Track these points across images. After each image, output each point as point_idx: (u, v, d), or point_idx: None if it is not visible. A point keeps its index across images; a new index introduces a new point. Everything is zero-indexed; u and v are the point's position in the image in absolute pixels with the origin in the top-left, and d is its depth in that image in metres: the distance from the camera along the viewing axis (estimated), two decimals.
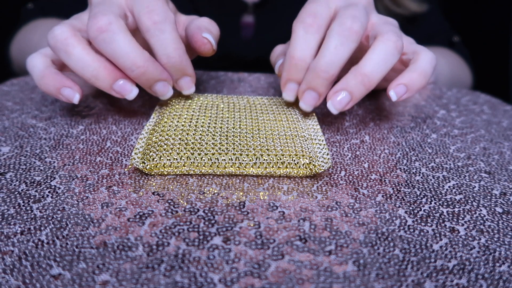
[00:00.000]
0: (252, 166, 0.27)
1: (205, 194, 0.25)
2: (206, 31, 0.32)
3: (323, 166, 0.27)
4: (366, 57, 0.29)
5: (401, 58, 0.33)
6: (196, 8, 0.60)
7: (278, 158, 0.27)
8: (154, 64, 0.29)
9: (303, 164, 0.27)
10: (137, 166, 0.27)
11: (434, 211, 0.25)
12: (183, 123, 0.30)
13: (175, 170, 0.27)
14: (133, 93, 0.30)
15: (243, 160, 0.27)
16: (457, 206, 0.25)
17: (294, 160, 0.27)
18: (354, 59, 0.33)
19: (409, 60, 0.33)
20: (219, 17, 0.61)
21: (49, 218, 0.23)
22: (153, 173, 0.27)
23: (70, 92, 0.30)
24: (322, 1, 0.32)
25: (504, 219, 0.24)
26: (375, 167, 0.29)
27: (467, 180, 0.28)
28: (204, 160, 0.27)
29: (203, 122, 0.31)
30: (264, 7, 0.60)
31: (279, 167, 0.27)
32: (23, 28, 0.57)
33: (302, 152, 0.28)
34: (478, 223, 0.24)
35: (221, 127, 0.30)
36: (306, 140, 0.30)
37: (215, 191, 0.26)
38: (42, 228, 0.22)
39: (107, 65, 0.28)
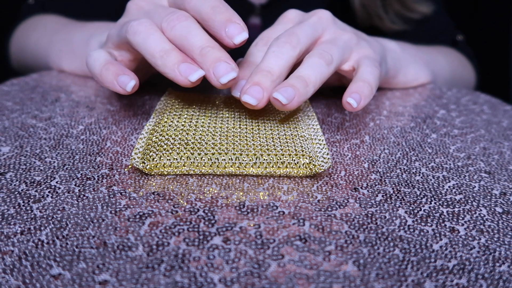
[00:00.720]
0: (252, 166, 0.27)
1: (205, 194, 0.25)
2: None
3: (323, 166, 0.27)
4: (300, 66, 0.31)
5: (353, 73, 0.35)
6: None
7: (278, 158, 0.27)
8: (219, 45, 0.30)
9: (303, 164, 0.27)
10: (137, 166, 0.27)
11: (434, 211, 0.25)
12: (183, 123, 0.30)
13: (175, 170, 0.27)
14: (197, 73, 0.29)
15: (243, 160, 0.27)
16: (457, 206, 0.25)
17: (294, 160, 0.27)
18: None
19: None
20: None
21: (49, 218, 0.23)
22: (153, 173, 0.27)
23: (126, 78, 0.30)
24: (280, 25, 0.35)
25: (504, 219, 0.24)
26: (375, 167, 0.29)
27: (467, 180, 0.28)
28: (204, 160, 0.27)
29: (203, 122, 0.31)
30: (271, 8, 0.60)
31: (279, 167, 0.27)
32: (23, 23, 0.57)
33: (302, 151, 0.28)
34: (478, 223, 0.24)
35: (221, 127, 0.30)
36: (306, 140, 0.30)
37: (215, 191, 0.26)
38: (42, 228, 0.22)
39: (177, 50, 0.30)
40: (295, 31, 0.32)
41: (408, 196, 0.26)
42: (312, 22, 0.34)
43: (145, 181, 0.26)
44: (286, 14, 0.36)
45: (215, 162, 0.27)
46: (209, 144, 0.28)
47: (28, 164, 0.28)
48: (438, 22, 0.61)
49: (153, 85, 0.43)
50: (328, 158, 0.28)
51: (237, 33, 0.30)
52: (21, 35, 0.55)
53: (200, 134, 0.29)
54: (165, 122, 0.31)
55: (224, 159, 0.27)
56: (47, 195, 0.25)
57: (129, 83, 0.30)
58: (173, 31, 0.30)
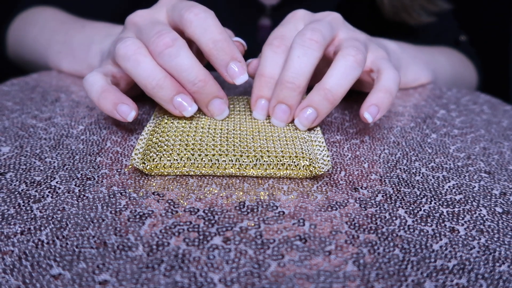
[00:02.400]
0: (252, 168, 0.27)
1: (205, 194, 0.25)
2: (232, 35, 0.34)
3: (323, 168, 0.27)
4: (328, 73, 0.30)
5: (369, 74, 0.34)
6: (215, 11, 0.60)
7: (278, 160, 0.27)
8: (213, 80, 0.30)
9: (303, 166, 0.27)
10: (137, 167, 0.27)
11: (434, 211, 0.25)
12: (183, 124, 0.30)
13: (175, 171, 0.27)
14: (192, 109, 0.30)
15: (243, 161, 0.27)
16: (457, 206, 0.25)
17: (294, 162, 0.27)
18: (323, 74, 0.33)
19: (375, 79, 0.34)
20: (236, 19, 0.61)
21: (49, 218, 0.23)
22: (153, 174, 0.27)
23: (127, 108, 0.30)
24: (290, 24, 0.34)
25: (504, 219, 0.24)
26: (375, 167, 0.29)
27: (467, 180, 0.28)
28: (204, 161, 0.27)
29: (203, 124, 0.31)
30: (282, 9, 0.60)
31: (279, 168, 0.27)
32: (21, 15, 0.56)
33: (302, 154, 0.28)
34: (478, 223, 0.24)
35: (221, 129, 0.30)
36: (306, 142, 0.30)
37: (215, 191, 0.26)
38: (42, 228, 0.22)
39: (172, 78, 0.29)
40: (318, 27, 0.31)
41: (408, 196, 0.26)
42: (329, 21, 0.33)
43: (145, 181, 0.26)
44: (295, 13, 0.35)
45: (215, 163, 0.27)
46: (209, 145, 0.28)
47: (28, 164, 0.28)
48: (442, 22, 0.61)
49: None
50: (328, 160, 0.28)
51: (238, 75, 0.30)
52: (19, 28, 0.55)
53: (201, 135, 0.29)
54: (166, 123, 0.31)
55: (224, 160, 0.27)
56: (47, 195, 0.25)
57: (130, 113, 0.30)
58: (161, 58, 0.29)
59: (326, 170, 0.27)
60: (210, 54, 0.30)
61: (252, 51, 0.62)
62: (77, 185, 0.26)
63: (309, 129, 0.32)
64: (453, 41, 0.61)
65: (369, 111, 0.31)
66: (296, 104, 0.30)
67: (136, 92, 0.38)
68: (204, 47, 0.30)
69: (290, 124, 0.32)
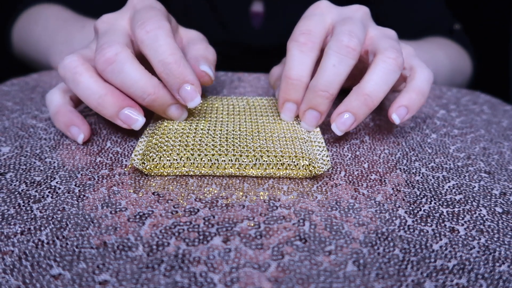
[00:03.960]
0: (252, 168, 0.27)
1: (205, 194, 0.25)
2: (203, 61, 0.32)
3: (323, 168, 0.27)
4: (368, 77, 0.29)
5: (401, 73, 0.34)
6: None
7: (278, 160, 0.27)
8: (164, 89, 0.29)
9: (303, 165, 0.27)
10: (137, 167, 0.27)
11: (434, 211, 0.25)
12: (183, 126, 0.30)
13: (175, 171, 0.27)
14: (139, 123, 0.28)
15: (242, 161, 0.27)
16: (457, 206, 0.25)
17: (294, 162, 0.27)
18: (353, 74, 0.33)
19: (406, 76, 0.33)
20: (229, 5, 0.61)
21: (49, 218, 0.23)
22: (153, 174, 0.27)
23: (76, 130, 0.30)
24: (316, 16, 0.32)
25: (504, 219, 0.24)
26: (375, 167, 0.29)
27: (467, 180, 0.28)
28: (204, 161, 0.27)
29: (203, 125, 0.31)
30: None
31: (278, 168, 0.27)
32: (25, 13, 0.57)
33: (302, 153, 0.28)
34: (478, 223, 0.24)
35: (220, 130, 0.30)
36: (305, 142, 0.30)
37: (215, 191, 0.26)
38: (42, 228, 0.22)
39: (114, 93, 0.28)
40: (355, 31, 0.30)
41: (408, 196, 0.26)
42: (360, 19, 0.31)
43: (145, 181, 0.26)
44: (319, 5, 0.32)
45: (215, 163, 0.27)
46: (209, 146, 0.28)
47: (28, 164, 0.28)
48: (435, 11, 0.61)
49: None
50: (328, 160, 0.28)
51: (190, 98, 0.28)
52: (23, 27, 0.55)
53: (200, 136, 0.29)
54: (165, 126, 0.31)
55: (224, 160, 0.27)
56: (47, 195, 0.25)
57: (78, 136, 0.30)
58: (104, 75, 0.28)
59: (326, 170, 0.27)
60: (161, 77, 0.28)
61: (246, 37, 0.62)
62: (77, 185, 0.26)
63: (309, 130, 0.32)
64: (448, 30, 0.61)
65: (398, 113, 0.30)
66: (327, 110, 0.30)
67: None
68: (155, 69, 0.28)
69: (290, 124, 0.32)
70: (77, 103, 0.33)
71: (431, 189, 0.27)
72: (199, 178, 0.27)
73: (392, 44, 0.30)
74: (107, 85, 0.28)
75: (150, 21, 0.28)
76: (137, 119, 0.28)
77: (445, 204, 0.25)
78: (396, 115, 0.30)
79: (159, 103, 0.29)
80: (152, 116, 0.34)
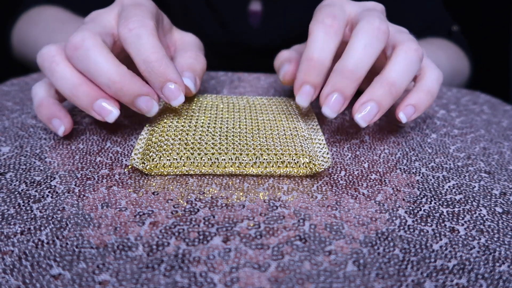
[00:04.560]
0: (252, 166, 0.27)
1: (205, 194, 0.25)
2: (188, 73, 0.32)
3: (323, 165, 0.27)
4: (391, 66, 0.28)
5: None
6: None
7: (278, 158, 0.27)
8: (132, 79, 0.27)
9: (303, 163, 0.27)
10: (137, 167, 0.27)
11: (434, 211, 0.25)
12: (182, 123, 0.30)
13: (175, 170, 0.27)
14: (112, 115, 0.28)
15: (243, 159, 0.27)
16: (457, 206, 0.25)
17: (294, 160, 0.27)
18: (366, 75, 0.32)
19: (417, 75, 0.32)
20: (227, 5, 0.61)
21: (49, 218, 0.23)
22: (153, 173, 0.27)
23: (57, 122, 0.29)
24: (337, 5, 0.31)
25: (504, 219, 0.24)
26: (375, 167, 0.29)
27: (467, 180, 0.28)
28: (204, 160, 0.27)
29: (202, 123, 0.31)
30: None
31: (279, 166, 0.27)
32: (24, 14, 0.57)
33: (302, 151, 0.28)
34: (478, 223, 0.24)
35: (220, 127, 0.30)
36: (306, 140, 0.30)
37: (215, 191, 0.26)
38: (42, 228, 0.22)
39: (89, 84, 0.28)
40: (384, 18, 0.29)
41: (408, 196, 0.26)
42: (381, 11, 0.31)
43: (145, 181, 0.26)
44: None
45: (215, 162, 0.27)
46: (209, 144, 0.28)
47: (28, 164, 0.28)
48: (434, 12, 0.62)
49: None
50: (328, 158, 0.28)
51: (173, 97, 0.28)
52: (23, 28, 0.55)
53: (200, 134, 0.29)
54: (165, 123, 0.31)
55: (224, 159, 0.27)
56: (47, 195, 0.25)
57: (59, 128, 0.29)
58: (73, 62, 0.27)
59: (326, 167, 0.27)
60: (144, 76, 0.28)
61: (244, 36, 0.62)
62: (77, 185, 0.26)
63: (309, 128, 0.32)
64: (446, 31, 0.61)
65: (406, 111, 0.30)
66: (351, 95, 0.29)
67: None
68: (139, 68, 0.28)
69: (290, 122, 0.32)
70: (62, 96, 0.32)
71: (431, 189, 0.27)
72: (199, 178, 0.27)
73: (411, 37, 0.30)
74: (82, 76, 0.28)
75: (133, 19, 0.28)
76: (111, 111, 0.28)
77: (445, 204, 0.25)
78: (404, 114, 0.30)
79: (125, 93, 0.27)
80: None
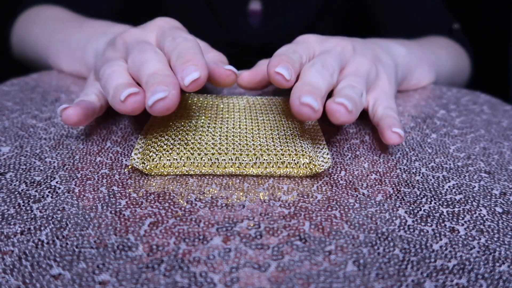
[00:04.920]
0: (252, 166, 0.27)
1: (205, 194, 0.25)
2: (225, 65, 0.33)
3: (323, 166, 0.27)
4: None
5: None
6: None
7: (278, 158, 0.27)
8: (169, 72, 0.27)
9: (303, 163, 0.27)
10: (137, 167, 0.27)
11: (434, 211, 0.25)
12: (182, 123, 0.30)
13: (175, 170, 0.27)
14: (127, 90, 0.26)
15: (243, 160, 0.27)
16: (457, 206, 0.25)
17: (294, 160, 0.27)
18: None
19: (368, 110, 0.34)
20: (227, 4, 0.61)
21: (49, 218, 0.23)
22: (153, 173, 0.27)
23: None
24: (303, 43, 0.33)
25: (504, 219, 0.24)
26: (375, 167, 0.29)
27: (467, 180, 0.28)
28: (204, 160, 0.27)
29: (202, 123, 0.31)
30: None
31: (279, 166, 0.27)
32: (24, 14, 0.57)
33: (302, 151, 0.28)
34: (478, 223, 0.24)
35: (220, 127, 0.30)
36: (306, 140, 0.30)
37: (215, 191, 0.26)
38: (42, 228, 0.22)
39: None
40: (329, 60, 0.31)
41: (408, 196, 0.26)
42: (338, 53, 0.33)
43: (145, 181, 0.26)
44: (306, 39, 0.34)
45: (215, 162, 0.27)
46: (209, 144, 0.28)
47: (28, 164, 0.28)
48: (434, 11, 0.62)
49: None
50: (328, 158, 0.28)
51: (189, 72, 0.27)
52: (22, 27, 0.56)
53: (200, 134, 0.29)
54: (165, 122, 0.31)
55: (224, 159, 0.27)
56: (47, 195, 0.25)
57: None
58: (133, 66, 0.28)
59: (326, 167, 0.27)
60: (173, 66, 0.28)
61: (243, 35, 0.62)
62: (77, 185, 0.26)
63: (309, 128, 0.32)
64: (447, 30, 0.61)
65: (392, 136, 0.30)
66: (320, 102, 0.28)
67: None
68: (172, 62, 0.28)
69: (290, 123, 0.32)
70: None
71: (431, 189, 0.27)
72: (199, 178, 0.27)
73: (355, 80, 0.31)
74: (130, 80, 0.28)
75: (185, 37, 0.29)
76: (128, 89, 0.26)
77: (445, 204, 0.25)
78: (395, 135, 0.30)
79: (156, 79, 0.26)
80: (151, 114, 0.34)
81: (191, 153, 0.27)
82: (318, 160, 0.28)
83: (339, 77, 0.32)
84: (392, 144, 0.30)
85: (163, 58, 0.28)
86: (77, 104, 0.29)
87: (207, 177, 0.27)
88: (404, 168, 0.29)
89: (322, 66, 0.30)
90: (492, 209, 0.25)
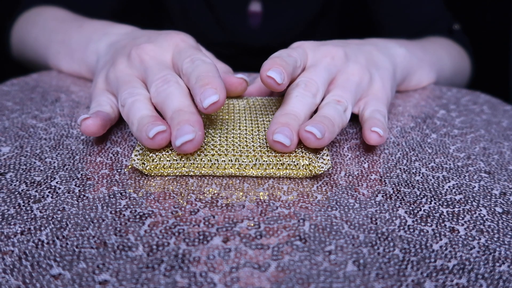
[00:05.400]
0: (252, 168, 0.27)
1: (205, 194, 0.25)
2: (232, 73, 0.34)
3: (323, 168, 0.27)
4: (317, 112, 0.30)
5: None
6: None
7: (278, 160, 0.27)
8: (194, 110, 0.28)
9: (303, 165, 0.27)
10: (137, 167, 0.27)
11: (434, 211, 0.25)
12: None
13: (175, 171, 0.27)
14: (156, 129, 0.26)
15: (242, 161, 0.27)
16: (457, 206, 0.25)
17: (294, 162, 0.27)
18: None
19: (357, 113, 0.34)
20: (227, 5, 0.61)
21: (49, 218, 0.23)
22: (153, 174, 0.27)
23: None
24: (299, 49, 0.33)
25: (504, 219, 0.24)
26: (375, 167, 0.29)
27: (467, 180, 0.28)
28: (204, 161, 0.27)
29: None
30: None
31: (278, 168, 0.27)
32: (23, 14, 0.57)
33: (302, 153, 0.28)
34: (478, 223, 0.24)
35: (220, 129, 0.30)
36: None
37: (215, 191, 0.26)
38: (42, 228, 0.22)
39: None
40: (314, 78, 0.31)
41: (408, 196, 0.26)
42: (326, 65, 0.33)
43: (145, 182, 0.26)
44: (301, 45, 0.35)
45: (214, 164, 0.27)
46: (209, 145, 0.28)
47: (28, 164, 0.28)
48: (435, 11, 0.62)
49: None
50: (328, 160, 0.28)
51: (208, 95, 0.27)
52: (22, 28, 0.55)
53: None
54: None
55: (224, 161, 0.27)
56: (47, 195, 0.25)
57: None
58: (157, 96, 0.29)
59: (326, 169, 0.27)
60: (191, 89, 0.29)
61: (244, 36, 0.62)
62: (77, 185, 0.26)
63: None
64: (447, 30, 0.61)
65: (372, 135, 0.30)
66: (297, 130, 0.29)
67: None
68: (190, 85, 0.29)
69: None
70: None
71: (431, 189, 0.27)
72: (199, 178, 0.27)
73: (341, 93, 0.32)
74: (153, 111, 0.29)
75: (199, 59, 0.30)
76: (156, 126, 0.27)
77: (445, 204, 0.25)
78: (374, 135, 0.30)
79: (180, 117, 0.27)
80: None
81: (191, 154, 0.27)
82: (318, 162, 0.28)
83: (329, 87, 0.33)
84: (374, 144, 0.30)
85: (186, 91, 0.29)
86: (96, 115, 0.30)
87: (207, 177, 0.27)
88: (404, 168, 0.29)
89: (305, 87, 0.31)
90: (492, 209, 0.25)
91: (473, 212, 0.25)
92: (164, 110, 0.28)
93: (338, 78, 0.33)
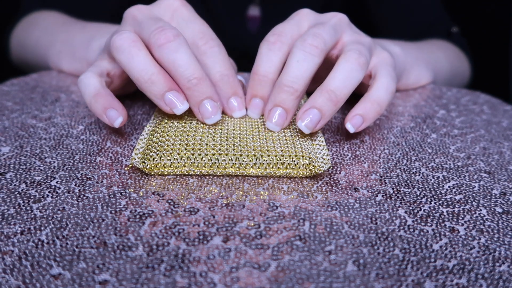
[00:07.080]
0: (252, 167, 0.27)
1: (205, 194, 0.25)
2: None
3: (323, 167, 0.27)
4: (331, 75, 0.30)
5: (369, 78, 0.34)
6: (204, 0, 0.60)
7: (278, 159, 0.27)
8: (209, 82, 0.30)
9: (303, 164, 0.27)
10: (138, 166, 0.27)
11: (434, 211, 0.25)
12: (183, 124, 0.30)
13: (175, 170, 0.27)
14: (183, 107, 0.29)
15: (243, 160, 0.27)
16: (457, 206, 0.25)
17: (294, 161, 0.27)
18: (322, 77, 0.33)
19: (368, 85, 0.33)
20: (225, 10, 0.61)
21: (49, 218, 0.23)
22: (153, 173, 0.27)
23: (115, 113, 0.30)
24: (293, 20, 0.33)
25: (504, 219, 0.24)
26: (375, 167, 0.29)
27: (467, 180, 0.28)
28: (204, 160, 0.27)
29: (203, 124, 0.31)
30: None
31: (279, 167, 0.27)
32: (24, 19, 0.57)
33: (302, 152, 0.28)
34: (478, 223, 0.24)
35: (221, 129, 0.30)
36: (305, 141, 0.30)
37: (215, 191, 0.26)
38: (42, 228, 0.22)
39: (166, 74, 0.29)
40: (320, 32, 0.31)
41: (408, 196, 0.26)
42: (333, 24, 0.32)
43: (145, 181, 0.26)
44: (299, 12, 0.34)
45: (215, 163, 0.27)
46: (209, 145, 0.28)
47: (28, 164, 0.28)
48: (434, 14, 0.62)
49: None
50: (328, 159, 0.28)
51: (237, 109, 0.32)
52: (22, 32, 0.55)
53: (201, 135, 0.29)
54: (166, 123, 0.31)
55: (224, 160, 0.27)
56: (47, 195, 0.25)
57: (116, 119, 0.30)
58: (160, 51, 0.29)
59: (326, 169, 0.27)
60: (215, 84, 0.31)
61: (242, 41, 0.62)
62: (77, 185, 0.26)
63: None
64: (446, 32, 0.61)
65: (352, 122, 0.30)
66: (293, 108, 0.30)
67: (131, 88, 0.38)
68: (212, 78, 0.31)
69: (289, 124, 0.32)
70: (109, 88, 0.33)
71: (431, 189, 0.27)
72: (199, 178, 0.27)
73: (357, 47, 0.31)
74: (159, 66, 0.29)
75: (209, 35, 0.33)
76: (182, 102, 0.29)
77: (445, 204, 0.25)
78: (351, 124, 0.31)
79: (200, 90, 0.29)
80: (153, 110, 0.34)
81: (191, 153, 0.27)
82: (318, 161, 0.28)
83: (337, 45, 0.33)
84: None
85: (190, 51, 0.29)
86: (122, 108, 0.30)
87: (207, 177, 0.27)
88: (404, 168, 0.29)
89: (310, 45, 0.30)
90: (492, 209, 0.25)
91: (473, 212, 0.25)
92: (171, 72, 0.29)
93: (346, 37, 0.33)
